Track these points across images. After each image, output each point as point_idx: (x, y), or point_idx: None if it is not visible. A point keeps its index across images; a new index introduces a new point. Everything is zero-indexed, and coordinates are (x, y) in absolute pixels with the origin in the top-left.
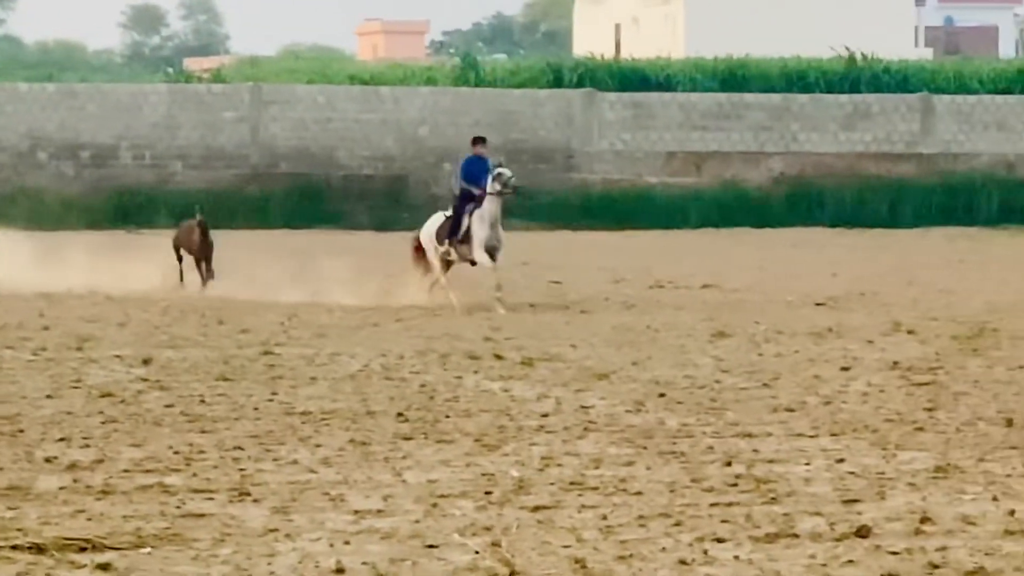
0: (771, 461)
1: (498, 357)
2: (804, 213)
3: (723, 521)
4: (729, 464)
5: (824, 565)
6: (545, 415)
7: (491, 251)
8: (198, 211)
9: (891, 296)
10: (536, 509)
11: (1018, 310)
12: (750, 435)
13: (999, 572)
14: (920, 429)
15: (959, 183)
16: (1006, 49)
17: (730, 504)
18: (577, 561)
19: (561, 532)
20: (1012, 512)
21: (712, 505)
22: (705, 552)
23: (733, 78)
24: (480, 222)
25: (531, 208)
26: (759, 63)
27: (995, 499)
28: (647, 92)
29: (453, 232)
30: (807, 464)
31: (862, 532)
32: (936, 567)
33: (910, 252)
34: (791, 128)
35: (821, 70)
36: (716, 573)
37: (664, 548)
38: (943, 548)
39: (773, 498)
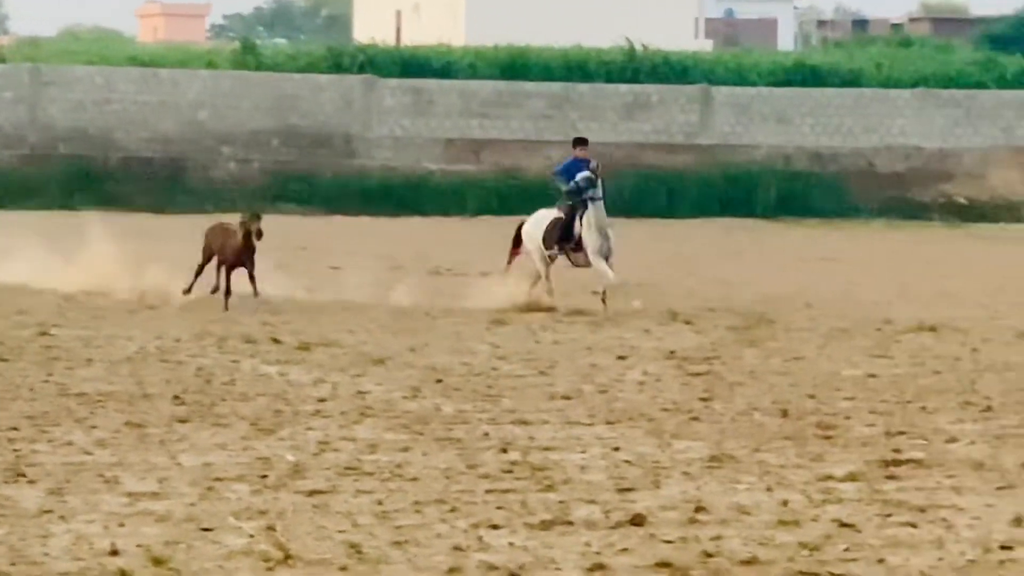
0: (547, 449)
1: (275, 341)
2: None
3: (498, 508)
4: (505, 451)
5: (599, 553)
6: (322, 400)
7: (607, 256)
8: (250, 216)
9: (668, 286)
10: (311, 494)
11: (794, 301)
12: (526, 422)
13: (772, 562)
14: (695, 419)
15: (737, 174)
16: (785, 42)
17: (505, 491)
18: (352, 546)
19: (336, 517)
20: (785, 502)
21: (488, 492)
22: (480, 538)
23: (513, 66)
24: (588, 228)
25: (309, 193)
26: (539, 52)
27: (769, 489)
28: (427, 79)
29: (566, 238)
30: (583, 452)
31: (637, 520)
32: (710, 556)
33: (688, 242)
34: (571, 117)
35: (601, 60)
36: (491, 559)
37: (439, 534)
38: (717, 537)
39: (548, 485)
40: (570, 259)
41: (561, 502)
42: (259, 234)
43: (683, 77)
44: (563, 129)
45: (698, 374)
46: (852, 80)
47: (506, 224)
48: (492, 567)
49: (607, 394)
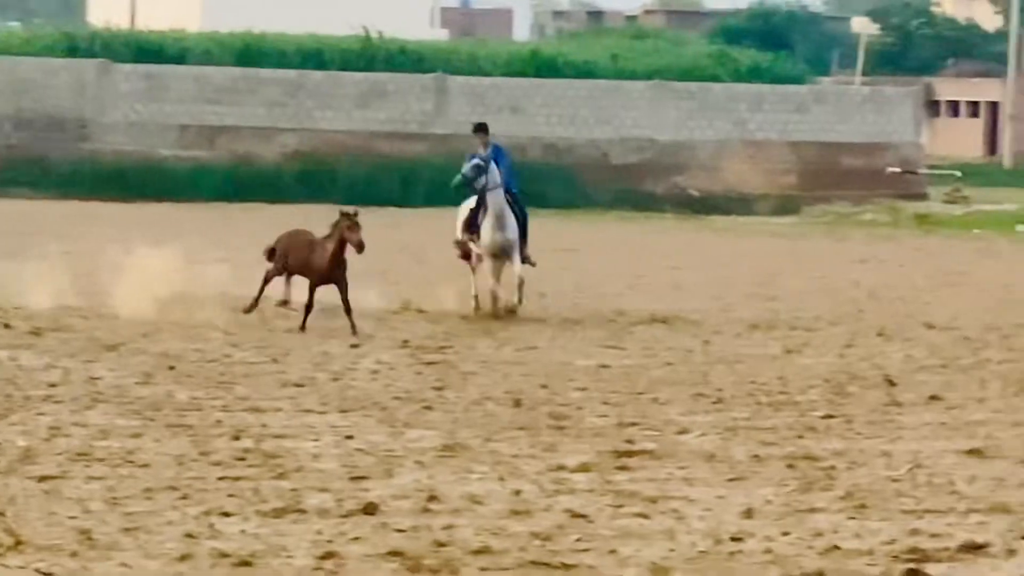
0: (279, 436)
1: (6, 326)
2: (317, 189)
3: (230, 495)
4: (237, 438)
5: (331, 541)
6: (53, 385)
7: (506, 249)
8: (347, 220)
9: (402, 275)
10: (42, 479)
11: (528, 291)
12: (259, 410)
13: (504, 551)
14: (429, 408)
15: None
16: (520, 32)
17: (238, 478)
18: (83, 532)
19: (67, 503)
20: (518, 492)
21: (220, 479)
22: (212, 526)
23: (248, 53)
24: (486, 219)
25: (42, 177)
26: (275, 39)
27: (501, 479)
28: (162, 64)
29: (472, 227)
30: (315, 440)
31: (369, 509)
32: (442, 545)
33: (421, 231)
34: (305, 105)
35: (337, 48)
36: (223, 547)
37: (171, 521)
38: (449, 527)
39: (281, 473)
40: (476, 248)
41: (293, 490)
42: (360, 247)
43: (419, 66)
44: (297, 117)
45: (431, 363)
46: (587, 71)
47: (238, 210)
48: (223, 554)
49: (340, 382)
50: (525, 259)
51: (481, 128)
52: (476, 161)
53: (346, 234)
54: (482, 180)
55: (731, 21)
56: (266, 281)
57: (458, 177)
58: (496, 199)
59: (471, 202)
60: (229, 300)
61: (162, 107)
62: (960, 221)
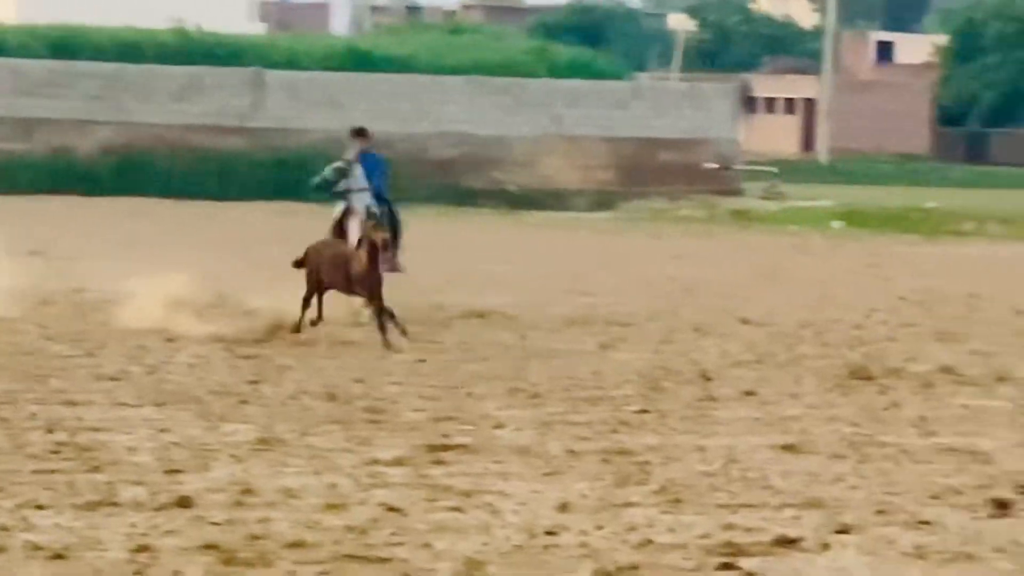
0: (94, 429)
1: None
2: (133, 183)
3: (45, 488)
4: (52, 431)
5: (145, 534)
6: None
7: None
8: (374, 224)
9: (220, 269)
10: None
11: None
12: (74, 403)
13: (318, 545)
14: (244, 401)
15: (289, 158)
16: (338, 27)
17: (52, 471)
18: None
19: None
20: (333, 486)
21: (34, 472)
22: (25, 519)
23: (65, 46)
24: (354, 221)
25: None
26: (91, 32)
27: (317, 472)
28: None
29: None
30: (130, 433)
31: (183, 502)
32: (257, 538)
33: (237, 225)
34: (122, 98)
35: (154, 41)
36: (36, 540)
37: None
38: (264, 520)
39: (95, 466)
40: None
41: (108, 483)
42: (385, 245)
43: (236, 60)
44: (114, 110)
45: (247, 357)
46: (404, 66)
47: (55, 204)
48: (37, 547)
49: (155, 376)
50: (395, 267)
51: (360, 133)
52: (338, 164)
53: (371, 233)
54: (343, 184)
55: (550, 17)
56: (305, 304)
57: (316, 179)
58: (362, 201)
59: (339, 209)
60: (43, 293)
61: None
62: (776, 217)
